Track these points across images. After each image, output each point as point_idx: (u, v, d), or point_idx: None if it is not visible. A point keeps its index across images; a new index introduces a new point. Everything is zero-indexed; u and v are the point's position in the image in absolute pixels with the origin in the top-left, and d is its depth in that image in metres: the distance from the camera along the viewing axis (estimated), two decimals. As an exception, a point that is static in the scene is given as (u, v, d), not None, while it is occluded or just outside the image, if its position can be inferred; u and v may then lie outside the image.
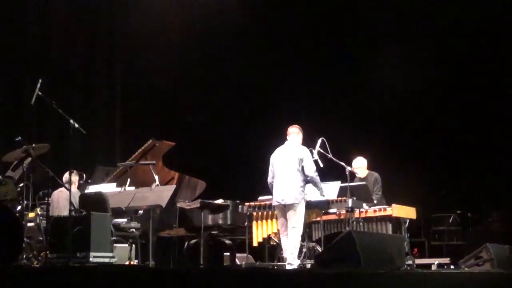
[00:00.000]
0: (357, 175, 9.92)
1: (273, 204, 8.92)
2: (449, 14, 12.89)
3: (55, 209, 9.46)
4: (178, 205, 9.64)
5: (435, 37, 13.07)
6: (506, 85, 12.50)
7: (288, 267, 8.50)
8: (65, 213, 8.87)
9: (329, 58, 13.47)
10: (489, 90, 12.71)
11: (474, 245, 9.79)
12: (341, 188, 9.13)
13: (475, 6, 12.54)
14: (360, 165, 10.00)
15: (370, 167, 10.12)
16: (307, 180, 8.79)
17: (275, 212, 9.00)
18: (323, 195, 8.88)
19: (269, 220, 9.24)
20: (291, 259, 8.55)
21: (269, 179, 8.95)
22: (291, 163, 8.75)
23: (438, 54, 13.01)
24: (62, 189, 9.40)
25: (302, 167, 8.72)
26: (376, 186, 9.90)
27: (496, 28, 12.64)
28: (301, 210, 8.66)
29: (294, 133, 8.99)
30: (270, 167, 8.95)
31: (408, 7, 12.99)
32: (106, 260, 8.14)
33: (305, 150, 8.86)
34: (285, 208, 8.72)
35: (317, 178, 8.80)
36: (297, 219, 8.64)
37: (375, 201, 9.57)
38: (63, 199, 9.51)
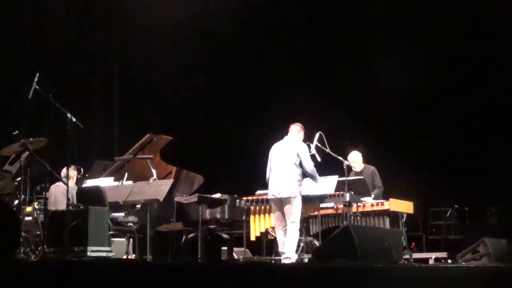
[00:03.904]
0: (353, 169, 9.93)
1: (268, 197, 8.92)
2: (449, 13, 12.88)
3: (52, 204, 9.45)
4: (176, 199, 9.64)
5: (433, 34, 13.07)
6: (503, 80, 12.50)
7: (285, 261, 8.51)
8: (62, 207, 8.87)
9: (327, 53, 13.47)
10: (487, 84, 12.71)
11: (471, 239, 9.83)
12: (339, 182, 9.13)
13: (475, 5, 12.58)
14: (355, 159, 9.99)
15: (368, 161, 10.12)
16: (304, 175, 8.79)
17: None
18: (317, 183, 8.87)
19: (266, 215, 9.24)
20: (290, 253, 8.56)
21: (268, 175, 8.95)
22: (288, 157, 8.75)
23: (435, 49, 13.01)
24: (59, 183, 9.40)
25: (300, 162, 8.72)
26: (376, 180, 9.90)
27: (496, 27, 12.65)
28: (298, 204, 8.66)
29: (295, 130, 8.99)
30: (268, 162, 8.96)
31: (408, 6, 13.00)
32: (104, 254, 8.14)
33: (303, 145, 8.87)
34: (282, 202, 8.72)
35: (315, 172, 8.80)
36: (295, 213, 8.64)
37: (372, 195, 9.58)
38: (60, 194, 9.51)
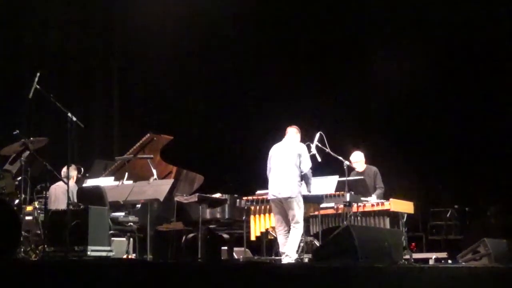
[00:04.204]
0: (355, 170, 9.92)
1: (268, 198, 8.92)
2: (449, 11, 12.88)
3: (52, 203, 9.44)
4: (176, 199, 9.64)
5: (434, 33, 13.06)
6: (503, 81, 12.50)
7: (286, 259, 8.50)
8: (62, 207, 8.87)
9: (327, 52, 13.46)
10: (487, 85, 12.71)
11: (471, 240, 9.81)
12: (339, 183, 9.13)
13: (475, 5, 12.58)
14: (358, 160, 10.00)
15: (368, 161, 10.13)
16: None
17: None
18: (310, 191, 8.88)
19: (267, 214, 9.24)
20: (291, 252, 8.56)
21: (268, 174, 8.95)
22: (289, 157, 8.75)
23: (436, 48, 13.01)
24: (60, 183, 9.40)
25: (300, 162, 8.72)
26: (377, 181, 9.90)
27: (496, 25, 12.64)
28: (300, 204, 8.66)
29: (293, 132, 9.00)
30: (268, 162, 8.96)
31: (408, 5, 12.99)
32: (104, 254, 8.14)
33: (303, 146, 8.87)
34: (282, 203, 8.72)
35: (310, 175, 8.80)
36: (298, 214, 8.64)
37: (374, 196, 9.57)
38: (60, 193, 9.51)
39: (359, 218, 9.19)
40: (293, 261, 8.50)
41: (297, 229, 8.63)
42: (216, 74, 13.64)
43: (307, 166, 8.74)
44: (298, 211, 8.64)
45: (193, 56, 13.59)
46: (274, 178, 8.80)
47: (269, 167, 8.94)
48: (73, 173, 9.82)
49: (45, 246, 8.03)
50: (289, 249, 8.59)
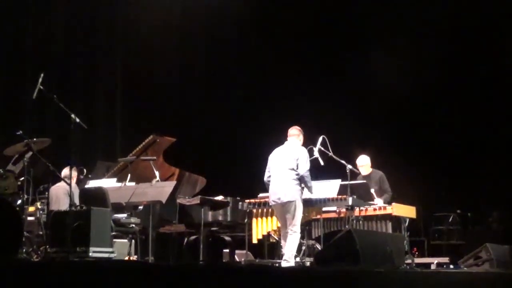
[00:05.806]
0: (360, 173, 9.91)
1: (270, 204, 8.91)
2: (450, 9, 12.86)
3: (53, 204, 9.43)
4: (178, 201, 9.65)
5: (436, 33, 13.05)
6: (506, 85, 12.49)
7: (284, 264, 8.49)
8: (64, 207, 8.87)
9: (329, 55, 13.45)
10: (490, 90, 12.70)
11: (473, 245, 9.80)
12: (342, 186, 9.12)
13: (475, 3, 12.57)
14: (364, 163, 9.99)
15: (372, 165, 10.11)
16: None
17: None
18: (312, 192, 8.85)
19: (269, 217, 9.24)
20: (289, 256, 8.55)
21: (265, 178, 8.93)
22: (287, 162, 8.72)
23: (439, 51, 13.00)
24: (60, 184, 9.39)
25: (297, 166, 8.70)
26: (385, 185, 9.88)
27: (497, 23, 12.63)
28: (299, 208, 8.65)
29: (295, 135, 8.96)
30: (267, 167, 8.94)
31: (408, 4, 12.98)
32: (106, 255, 8.14)
33: (303, 150, 8.83)
34: (283, 208, 8.70)
35: (308, 177, 8.71)
36: (296, 218, 8.63)
37: (381, 200, 9.56)
38: (60, 194, 9.50)
39: (361, 222, 9.19)
40: (292, 265, 8.49)
41: (294, 233, 8.61)
42: (219, 77, 13.64)
43: (304, 168, 8.68)
44: (296, 215, 8.62)
45: (197, 58, 13.59)
46: (274, 184, 8.79)
47: (267, 172, 8.92)
48: (74, 173, 9.82)
49: (47, 246, 8.04)
50: (288, 254, 8.57)
